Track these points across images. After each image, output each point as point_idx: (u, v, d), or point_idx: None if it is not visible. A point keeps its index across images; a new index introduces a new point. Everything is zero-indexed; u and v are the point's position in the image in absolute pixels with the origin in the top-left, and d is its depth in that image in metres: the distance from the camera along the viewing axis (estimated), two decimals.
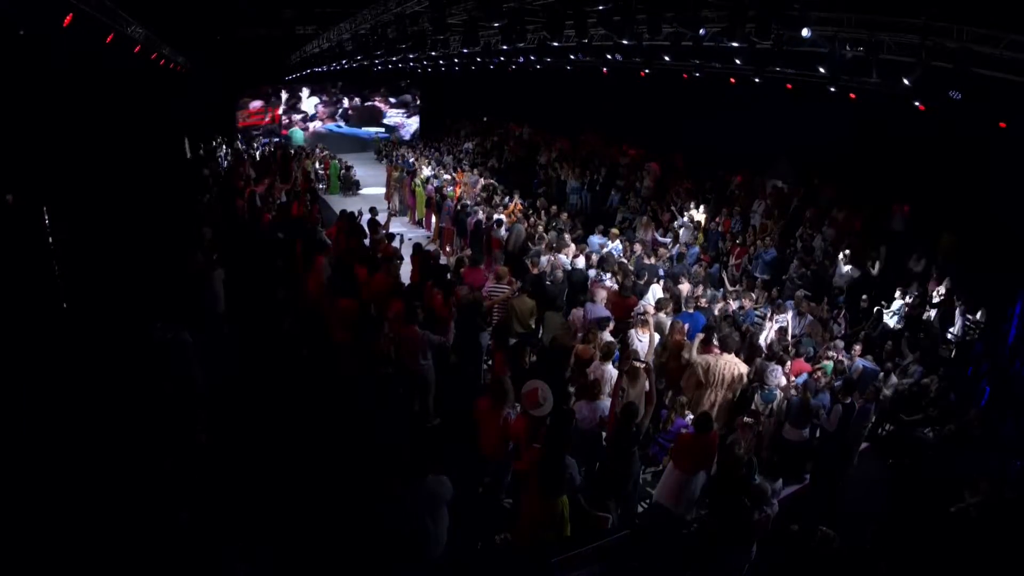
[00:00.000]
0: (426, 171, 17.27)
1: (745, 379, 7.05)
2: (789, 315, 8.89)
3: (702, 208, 13.60)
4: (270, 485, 5.41)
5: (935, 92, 6.96)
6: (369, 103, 28.25)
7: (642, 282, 9.29)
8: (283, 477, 5.53)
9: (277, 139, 25.64)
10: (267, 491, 5.35)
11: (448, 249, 13.16)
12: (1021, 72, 5.97)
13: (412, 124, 29.01)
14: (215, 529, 4.86)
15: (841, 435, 6.82)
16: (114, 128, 14.14)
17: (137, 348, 6.46)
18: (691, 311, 8.21)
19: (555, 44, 9.91)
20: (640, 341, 7.29)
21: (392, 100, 28.60)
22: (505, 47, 10.75)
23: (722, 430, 6.70)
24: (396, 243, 9.45)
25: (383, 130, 28.15)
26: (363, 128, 28.12)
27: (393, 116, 28.69)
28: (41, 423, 5.88)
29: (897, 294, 9.75)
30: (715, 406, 6.96)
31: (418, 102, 28.86)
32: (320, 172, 20.20)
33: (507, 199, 14.11)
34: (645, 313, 7.82)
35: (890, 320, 9.65)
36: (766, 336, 8.31)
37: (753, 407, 7.09)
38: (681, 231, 12.76)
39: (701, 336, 7.34)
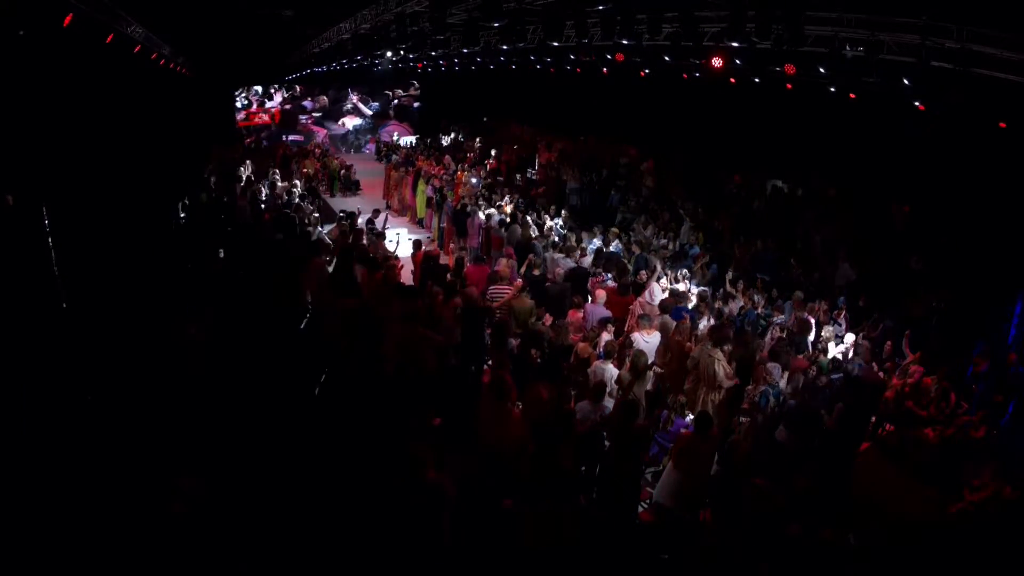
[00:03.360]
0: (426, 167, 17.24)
1: (726, 380, 6.90)
2: (785, 316, 8.88)
3: None
4: (267, 484, 5.40)
5: (935, 92, 6.97)
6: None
7: (637, 278, 9.27)
8: (280, 476, 5.52)
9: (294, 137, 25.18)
10: (264, 490, 5.34)
11: (452, 247, 13.15)
12: (1021, 72, 5.98)
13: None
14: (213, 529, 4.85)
15: (842, 434, 6.81)
16: (114, 128, 14.13)
17: (137, 348, 6.45)
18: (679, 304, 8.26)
19: (555, 44, 9.92)
20: (647, 342, 7.29)
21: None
22: (505, 47, 10.75)
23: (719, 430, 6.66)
24: (392, 244, 9.45)
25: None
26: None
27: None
28: (41, 423, 5.87)
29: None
30: (704, 402, 6.91)
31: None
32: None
33: (506, 198, 14.11)
34: (649, 314, 7.81)
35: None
36: (766, 337, 8.30)
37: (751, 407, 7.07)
38: (681, 230, 12.75)
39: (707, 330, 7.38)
